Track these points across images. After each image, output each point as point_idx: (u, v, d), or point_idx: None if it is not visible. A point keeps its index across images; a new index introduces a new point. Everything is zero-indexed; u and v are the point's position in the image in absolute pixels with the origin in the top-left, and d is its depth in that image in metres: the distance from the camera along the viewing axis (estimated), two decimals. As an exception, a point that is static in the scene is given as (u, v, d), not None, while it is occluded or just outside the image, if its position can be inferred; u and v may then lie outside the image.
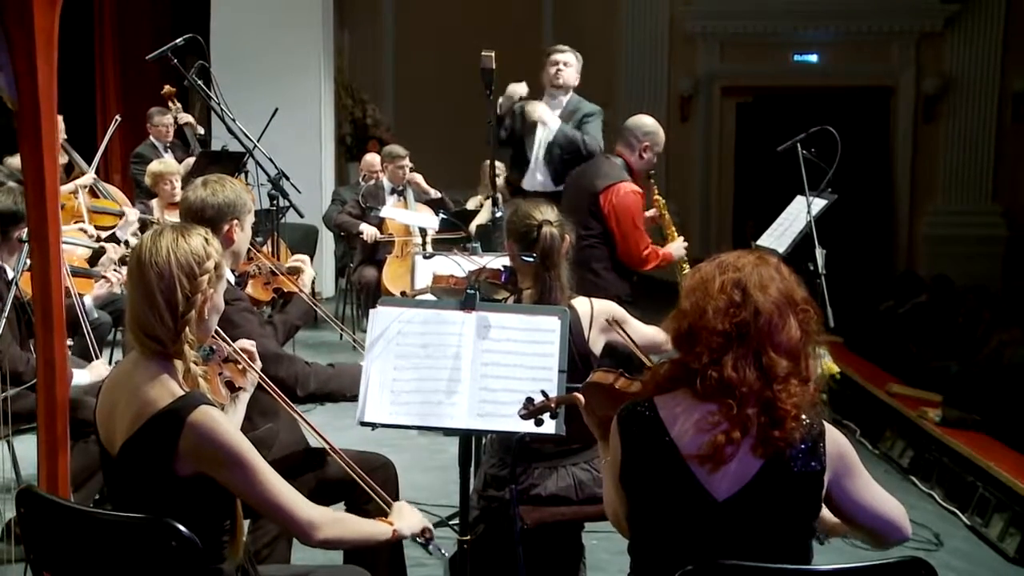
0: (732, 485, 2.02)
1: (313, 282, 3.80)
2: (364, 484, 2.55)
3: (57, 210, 2.52)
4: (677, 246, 5.08)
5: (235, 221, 3.15)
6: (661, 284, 5.15)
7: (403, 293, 3.70)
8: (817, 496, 2.04)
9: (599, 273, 4.82)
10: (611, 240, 4.88)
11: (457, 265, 3.75)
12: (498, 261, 3.59)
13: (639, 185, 5.05)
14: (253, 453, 2.17)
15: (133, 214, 6.03)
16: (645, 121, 5.07)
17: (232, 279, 3.20)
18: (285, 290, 3.71)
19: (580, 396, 2.45)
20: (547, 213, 3.39)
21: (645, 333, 3.40)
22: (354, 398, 2.99)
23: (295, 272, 3.74)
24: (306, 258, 3.88)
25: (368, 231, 7.51)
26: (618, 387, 2.33)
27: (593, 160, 5.20)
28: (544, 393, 2.58)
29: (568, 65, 5.55)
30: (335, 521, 2.27)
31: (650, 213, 5.17)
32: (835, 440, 2.07)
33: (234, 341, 2.62)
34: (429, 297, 3.56)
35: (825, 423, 2.08)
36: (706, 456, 2.01)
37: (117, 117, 7.37)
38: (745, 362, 2.02)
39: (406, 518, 2.42)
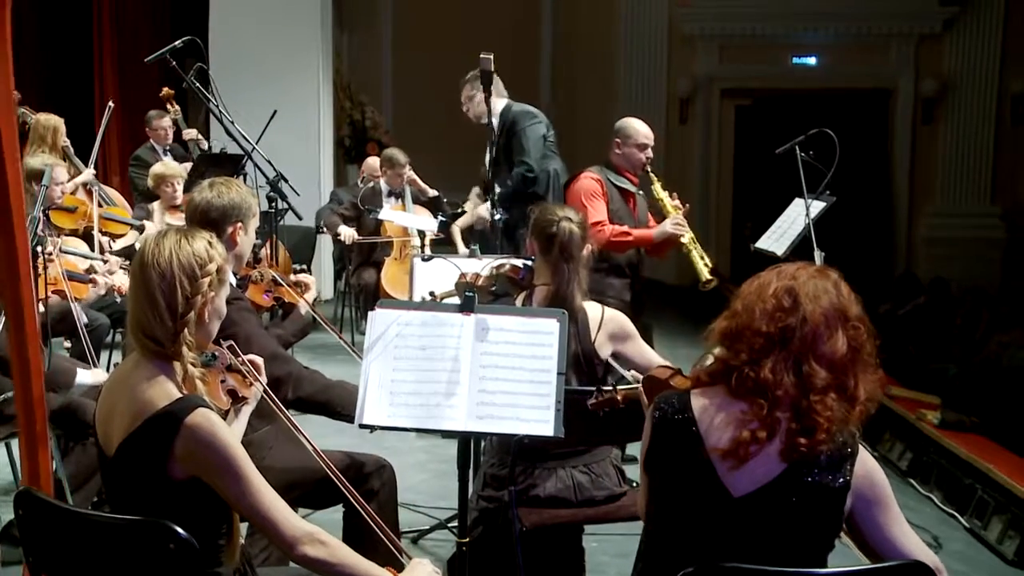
0: (750, 484, 2.03)
1: (314, 301, 3.79)
2: (376, 526, 2.51)
3: (22, 207, 2.51)
4: (662, 225, 4.97)
5: (239, 224, 3.16)
6: (659, 286, 5.16)
7: (432, 294, 3.69)
8: (836, 513, 2.04)
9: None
10: None
11: (456, 267, 3.76)
12: (514, 260, 3.63)
13: (634, 181, 5.09)
14: (247, 461, 2.17)
15: (152, 228, 6.03)
16: (623, 119, 5.18)
17: (233, 281, 3.20)
18: (286, 300, 3.70)
19: (643, 391, 2.49)
20: (568, 212, 3.51)
21: (647, 355, 3.44)
22: (347, 418, 3.00)
23: (300, 286, 3.74)
24: (313, 279, 3.87)
25: (346, 232, 7.52)
26: (674, 384, 2.38)
27: None
28: (614, 387, 2.64)
29: (470, 99, 5.51)
30: (323, 543, 2.19)
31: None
32: (867, 466, 2.06)
33: (231, 338, 2.62)
34: (455, 299, 3.57)
35: (862, 449, 2.07)
36: (728, 451, 2.03)
37: (110, 104, 7.32)
38: (784, 367, 2.03)
39: (417, 574, 2.34)
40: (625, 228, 4.93)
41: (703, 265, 4.90)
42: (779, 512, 2.02)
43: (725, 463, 2.03)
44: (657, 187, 5.09)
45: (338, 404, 3.18)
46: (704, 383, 2.15)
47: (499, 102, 5.40)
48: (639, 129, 5.08)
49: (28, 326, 2.49)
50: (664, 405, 2.15)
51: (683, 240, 4.94)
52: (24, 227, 2.51)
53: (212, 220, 3.09)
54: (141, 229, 6.12)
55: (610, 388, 2.68)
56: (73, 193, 6.25)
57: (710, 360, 2.19)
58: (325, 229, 7.94)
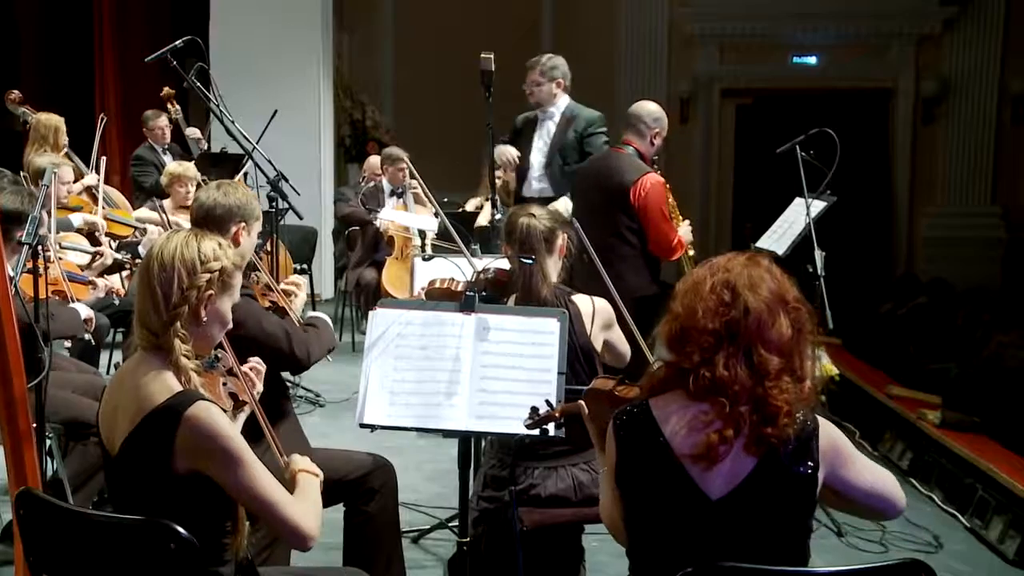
0: (726, 484, 2.03)
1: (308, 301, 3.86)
2: (270, 435, 2.55)
3: None
4: (686, 230, 5.02)
5: (243, 224, 3.19)
6: (660, 286, 5.14)
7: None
8: (812, 495, 2.06)
9: (622, 272, 4.66)
10: (638, 235, 4.87)
11: (456, 267, 3.75)
12: (501, 262, 3.61)
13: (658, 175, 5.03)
14: (247, 450, 2.18)
15: (155, 231, 6.04)
16: (651, 107, 5.05)
17: None
18: (279, 305, 3.71)
19: (583, 405, 2.46)
20: (533, 210, 3.49)
21: (625, 342, 3.48)
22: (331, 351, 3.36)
23: (288, 294, 3.76)
24: (301, 282, 3.87)
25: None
26: (618, 393, 2.35)
27: (605, 156, 5.15)
28: (548, 403, 2.61)
29: (538, 84, 5.50)
30: (316, 516, 2.27)
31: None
32: (828, 435, 2.09)
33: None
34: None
35: (819, 418, 2.10)
36: (699, 455, 2.02)
37: (102, 116, 7.32)
38: (736, 360, 2.03)
39: (308, 464, 2.43)
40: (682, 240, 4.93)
41: None
42: (758, 506, 2.03)
43: (697, 467, 2.03)
44: (666, 191, 5.05)
45: (331, 346, 3.42)
46: (660, 391, 2.14)
47: (564, 98, 5.45)
48: (666, 120, 5.05)
49: (7, 325, 2.49)
50: (625, 419, 2.13)
51: (690, 252, 4.97)
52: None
53: (217, 217, 3.13)
54: (135, 228, 6.14)
55: (547, 407, 2.63)
56: (79, 194, 6.26)
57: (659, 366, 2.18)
58: (350, 222, 7.88)
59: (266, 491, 2.18)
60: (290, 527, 2.20)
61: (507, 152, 5.64)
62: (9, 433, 2.53)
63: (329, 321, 3.48)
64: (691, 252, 5.01)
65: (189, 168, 6.62)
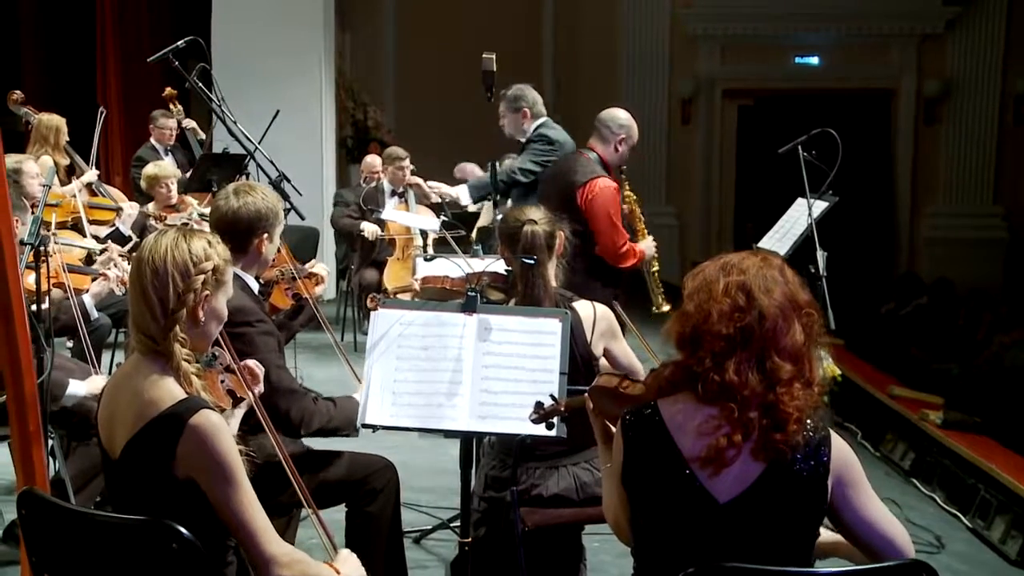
0: (734, 488, 2.02)
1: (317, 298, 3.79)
2: (317, 518, 2.48)
3: (7, 205, 2.51)
4: (648, 244, 4.96)
5: (265, 235, 3.09)
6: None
7: (384, 291, 3.67)
8: (820, 500, 2.04)
9: (577, 273, 4.66)
10: (588, 239, 4.71)
11: (457, 267, 3.75)
12: (500, 264, 3.59)
13: (612, 179, 4.96)
14: (241, 470, 2.17)
15: (131, 207, 6.04)
16: (619, 114, 4.99)
17: (255, 287, 3.18)
18: (303, 295, 3.68)
19: (588, 398, 2.45)
20: (532, 214, 3.44)
21: (630, 357, 3.44)
22: (347, 435, 3.05)
23: (314, 277, 3.72)
24: (326, 269, 3.83)
25: (369, 228, 7.51)
26: (623, 390, 2.33)
27: (566, 158, 5.08)
28: (553, 397, 2.61)
29: (504, 116, 5.47)
30: (296, 563, 2.18)
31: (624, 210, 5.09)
32: (840, 448, 2.06)
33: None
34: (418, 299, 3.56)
35: (831, 431, 2.07)
36: (707, 459, 2.01)
37: (101, 109, 7.31)
38: (748, 366, 2.02)
39: (351, 565, 2.35)
40: (637, 249, 4.88)
41: (660, 294, 4.98)
42: (766, 510, 2.01)
43: (705, 471, 2.01)
44: (631, 195, 5.01)
45: (342, 428, 3.11)
46: (668, 391, 2.12)
47: (533, 124, 5.28)
48: (635, 129, 4.99)
49: (18, 323, 2.48)
50: (633, 420, 2.11)
51: (654, 267, 4.99)
52: (11, 230, 2.51)
53: (239, 232, 3.02)
54: (116, 209, 6.14)
55: (552, 401, 2.62)
56: (73, 196, 6.26)
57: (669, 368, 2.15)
58: (343, 232, 7.91)
59: (250, 519, 2.15)
60: (263, 561, 2.15)
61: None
62: (19, 432, 2.53)
63: (357, 405, 3.07)
64: (655, 268, 5.00)
65: (165, 167, 6.59)
